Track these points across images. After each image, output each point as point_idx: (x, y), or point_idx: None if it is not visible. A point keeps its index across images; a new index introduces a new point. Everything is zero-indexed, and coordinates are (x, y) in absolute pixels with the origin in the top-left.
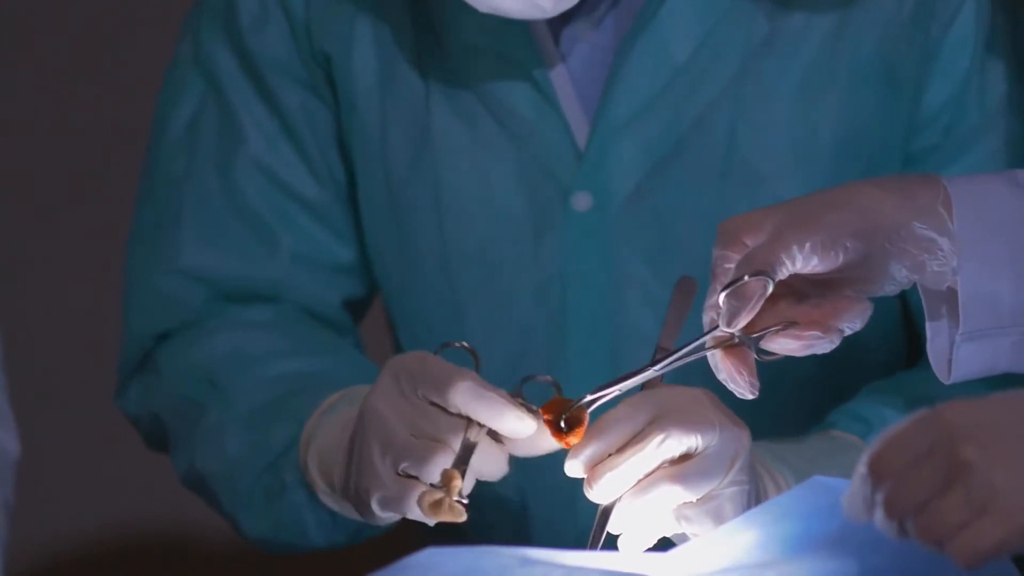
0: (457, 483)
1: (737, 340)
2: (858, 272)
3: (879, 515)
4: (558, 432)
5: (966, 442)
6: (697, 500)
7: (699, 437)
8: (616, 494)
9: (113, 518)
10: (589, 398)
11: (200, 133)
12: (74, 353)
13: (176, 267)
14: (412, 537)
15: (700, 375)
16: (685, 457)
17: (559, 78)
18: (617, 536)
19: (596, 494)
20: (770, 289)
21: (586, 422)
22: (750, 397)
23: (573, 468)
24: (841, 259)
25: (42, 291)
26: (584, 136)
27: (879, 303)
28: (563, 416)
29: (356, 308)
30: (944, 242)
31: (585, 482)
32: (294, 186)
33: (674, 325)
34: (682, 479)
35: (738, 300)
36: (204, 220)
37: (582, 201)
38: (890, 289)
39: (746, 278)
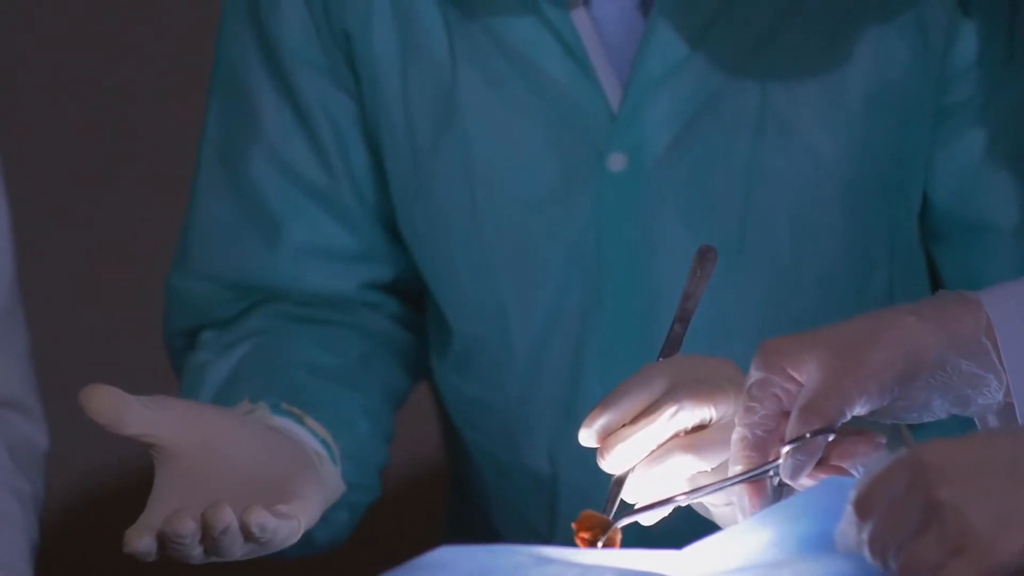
0: None
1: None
2: (897, 404)
3: (866, 552)
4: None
5: (941, 483)
6: (712, 469)
7: (713, 408)
8: (628, 465)
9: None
10: (625, 523)
11: (218, 124)
12: (103, 349)
13: (187, 269)
14: (427, 534)
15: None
16: (701, 426)
17: (589, 38)
18: (632, 505)
19: (608, 464)
20: (830, 438)
21: (618, 543)
22: None
23: (586, 438)
24: (887, 402)
25: (68, 287)
26: (616, 95)
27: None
28: (602, 539)
29: (389, 288)
30: (991, 378)
31: (598, 452)
32: (306, 177)
33: (693, 292)
34: (696, 449)
35: (805, 455)
36: (213, 217)
37: (617, 162)
38: (924, 419)
39: (807, 435)
